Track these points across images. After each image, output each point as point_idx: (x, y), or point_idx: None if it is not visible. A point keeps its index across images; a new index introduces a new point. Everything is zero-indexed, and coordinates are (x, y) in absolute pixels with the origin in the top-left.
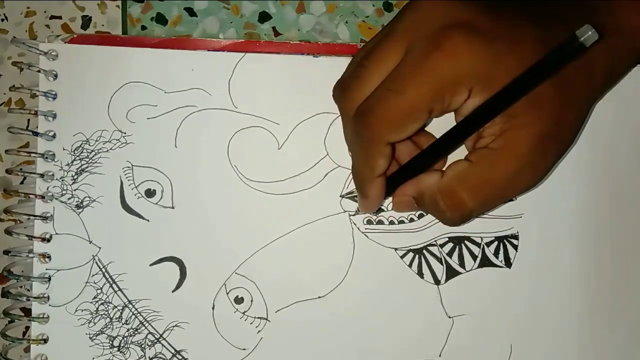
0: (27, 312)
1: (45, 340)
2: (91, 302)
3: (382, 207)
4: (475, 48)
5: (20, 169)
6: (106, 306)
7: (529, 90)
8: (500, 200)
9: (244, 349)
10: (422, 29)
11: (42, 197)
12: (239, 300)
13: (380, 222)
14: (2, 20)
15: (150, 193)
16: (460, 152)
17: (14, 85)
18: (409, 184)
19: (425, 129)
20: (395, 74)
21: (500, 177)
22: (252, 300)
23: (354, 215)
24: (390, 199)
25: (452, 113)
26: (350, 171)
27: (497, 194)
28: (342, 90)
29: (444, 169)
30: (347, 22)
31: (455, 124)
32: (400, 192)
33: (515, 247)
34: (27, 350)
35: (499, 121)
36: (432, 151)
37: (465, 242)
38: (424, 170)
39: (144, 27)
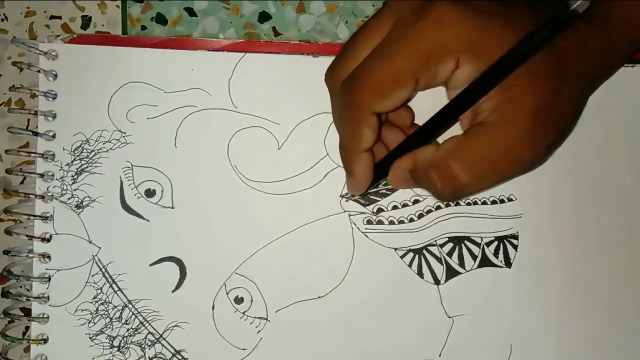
0: (27, 312)
1: (45, 340)
2: (91, 302)
3: (382, 207)
4: (461, 17)
5: (20, 169)
6: (106, 306)
7: (523, 61)
8: (497, 176)
9: (244, 349)
10: (409, 5)
11: (42, 197)
12: (239, 300)
13: (380, 222)
14: (2, 20)
15: (150, 193)
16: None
17: (14, 85)
18: (405, 157)
19: (419, 122)
20: (382, 44)
21: (496, 151)
22: (252, 300)
23: (346, 200)
24: (389, 200)
25: (445, 91)
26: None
27: (493, 168)
28: (330, 69)
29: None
30: (347, 22)
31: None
32: (396, 165)
33: (515, 247)
34: (27, 350)
35: (494, 95)
36: (428, 128)
37: (465, 242)
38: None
39: (144, 27)
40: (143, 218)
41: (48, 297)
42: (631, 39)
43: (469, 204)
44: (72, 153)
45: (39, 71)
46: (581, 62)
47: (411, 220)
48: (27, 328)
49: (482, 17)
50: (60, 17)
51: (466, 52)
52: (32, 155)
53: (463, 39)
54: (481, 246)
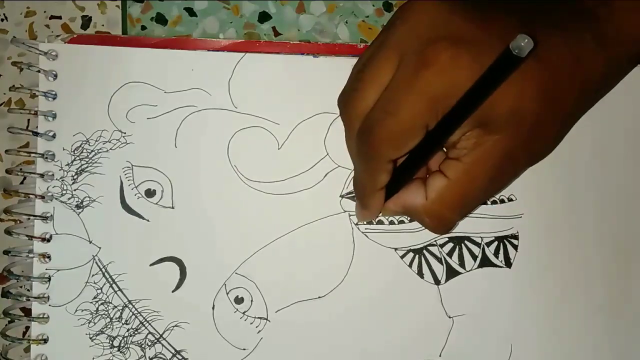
0: (27, 312)
1: (45, 340)
2: (91, 302)
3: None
4: (463, 62)
5: (20, 169)
6: (106, 306)
7: (473, 109)
8: (478, 206)
9: (244, 349)
10: (411, 41)
11: (42, 197)
12: (239, 300)
13: (380, 222)
14: (2, 20)
15: (150, 193)
16: None
17: (13, 85)
18: (395, 200)
19: None
20: (389, 93)
21: (475, 190)
22: (252, 300)
23: (354, 216)
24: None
25: None
26: (350, 171)
27: (475, 203)
28: (343, 104)
29: (427, 174)
30: (347, 22)
31: None
32: (388, 208)
33: (515, 247)
34: (27, 350)
35: (476, 134)
36: (409, 165)
37: (465, 242)
38: (406, 182)
39: (144, 27)
40: (143, 218)
41: (48, 297)
42: (633, 58)
43: None
44: (72, 153)
45: (39, 71)
46: (580, 98)
47: (411, 220)
48: (27, 328)
49: (481, 57)
50: (60, 17)
51: None
52: (32, 155)
53: (465, 85)
54: (481, 246)
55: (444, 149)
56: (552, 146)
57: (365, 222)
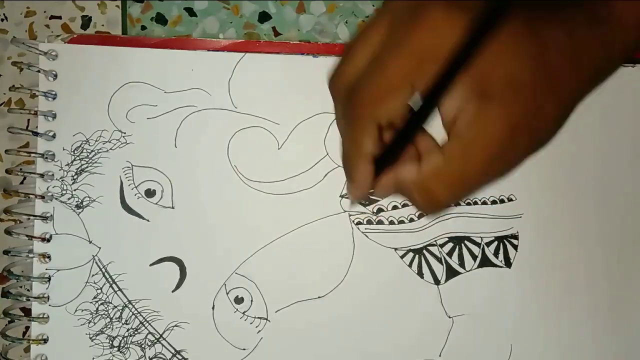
0: (27, 312)
1: (45, 340)
2: (91, 302)
3: (382, 207)
4: (452, 20)
5: (20, 169)
6: (106, 306)
7: (461, 64)
8: (473, 192)
9: (244, 349)
10: (403, 6)
11: (42, 197)
12: (239, 300)
13: (380, 222)
14: (2, 20)
15: (150, 193)
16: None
17: (14, 85)
18: (388, 174)
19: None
20: (376, 55)
21: (472, 171)
22: (252, 300)
23: (349, 204)
24: (389, 200)
25: None
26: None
27: (470, 187)
28: (330, 76)
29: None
30: (347, 22)
31: None
32: (379, 182)
33: (515, 247)
34: (27, 350)
35: (473, 106)
36: (400, 136)
37: (465, 242)
38: (398, 157)
39: (143, 27)
40: (143, 218)
41: (48, 297)
42: (631, 44)
43: (469, 204)
44: (72, 153)
45: (39, 71)
46: (574, 77)
47: (411, 220)
48: (27, 328)
49: (474, 19)
50: (60, 17)
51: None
52: (32, 155)
53: (456, 42)
54: (481, 246)
55: (445, 131)
56: (552, 129)
57: (357, 202)
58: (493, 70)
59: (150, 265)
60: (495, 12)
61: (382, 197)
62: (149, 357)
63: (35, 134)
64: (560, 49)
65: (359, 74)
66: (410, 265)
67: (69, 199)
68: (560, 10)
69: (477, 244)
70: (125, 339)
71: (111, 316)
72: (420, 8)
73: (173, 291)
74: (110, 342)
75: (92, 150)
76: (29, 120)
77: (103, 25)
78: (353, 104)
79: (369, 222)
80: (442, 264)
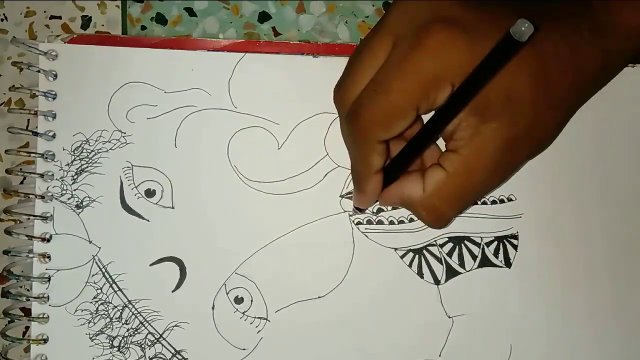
0: (27, 312)
1: (45, 340)
2: (91, 302)
3: (382, 207)
4: (457, 44)
5: (20, 169)
6: (106, 306)
7: (472, 95)
8: (475, 202)
9: (244, 349)
10: (407, 24)
11: (42, 197)
12: (238, 300)
13: (380, 222)
14: (2, 20)
15: (150, 193)
16: None
17: (13, 85)
18: (392, 190)
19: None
20: (381, 74)
21: (473, 184)
22: (252, 300)
23: (352, 215)
24: None
25: None
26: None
27: (473, 199)
28: (336, 89)
29: (427, 164)
30: (347, 22)
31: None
32: (385, 197)
33: (515, 247)
34: (27, 350)
35: (473, 122)
36: (407, 152)
37: (465, 242)
38: (405, 170)
39: (143, 27)
40: (143, 218)
41: (48, 297)
42: (630, 52)
43: None
44: (72, 153)
45: (39, 71)
46: (575, 85)
47: (411, 220)
48: (27, 328)
49: (476, 41)
50: (60, 17)
51: (462, 77)
52: (32, 155)
53: (459, 67)
54: (481, 246)
55: (443, 140)
56: (550, 138)
57: (361, 210)
58: (492, 89)
59: (150, 265)
60: (509, 44)
61: (387, 207)
62: (149, 357)
63: (35, 134)
64: (560, 62)
65: (363, 91)
66: (410, 265)
67: (69, 199)
68: (562, 20)
69: (477, 244)
70: (125, 339)
71: (111, 316)
72: (422, 30)
73: (173, 291)
74: (110, 342)
75: (92, 150)
76: (29, 120)
77: (103, 25)
78: (357, 126)
79: (369, 222)
80: (442, 264)
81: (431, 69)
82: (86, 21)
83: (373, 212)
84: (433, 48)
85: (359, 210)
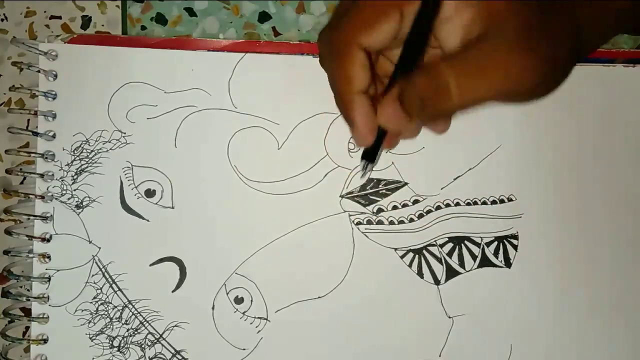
0: (27, 312)
1: (45, 340)
2: (91, 302)
3: (382, 207)
4: None
5: (20, 169)
6: (106, 306)
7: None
8: (484, 88)
9: (244, 349)
10: None
11: (42, 197)
12: (239, 300)
13: (380, 222)
14: (2, 20)
15: (150, 193)
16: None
17: (13, 85)
18: (387, 97)
19: None
20: None
21: (484, 59)
22: (252, 300)
23: (363, 170)
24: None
25: None
26: (350, 171)
27: (481, 76)
28: (321, 32)
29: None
30: None
31: None
32: (383, 110)
33: (515, 247)
34: (27, 350)
35: (480, 10)
36: (404, 58)
37: (465, 242)
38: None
39: (143, 27)
40: (143, 218)
41: (48, 297)
42: (620, 17)
43: (468, 204)
44: (72, 153)
45: (39, 71)
46: (571, 14)
47: (411, 220)
48: (27, 328)
49: None
50: (60, 17)
51: None
52: (32, 155)
53: None
54: (481, 246)
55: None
56: (564, 36)
57: (370, 156)
58: None
59: (150, 265)
60: None
61: (393, 129)
62: (148, 357)
63: (35, 134)
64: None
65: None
66: (410, 265)
67: (69, 199)
68: None
69: (477, 244)
70: (125, 339)
71: (111, 316)
72: None
73: (173, 291)
74: (110, 342)
75: (92, 150)
76: (29, 120)
77: (103, 25)
78: (338, 31)
79: (369, 222)
80: (442, 264)
81: None
82: (86, 21)
83: (373, 212)
84: None
85: (367, 158)
